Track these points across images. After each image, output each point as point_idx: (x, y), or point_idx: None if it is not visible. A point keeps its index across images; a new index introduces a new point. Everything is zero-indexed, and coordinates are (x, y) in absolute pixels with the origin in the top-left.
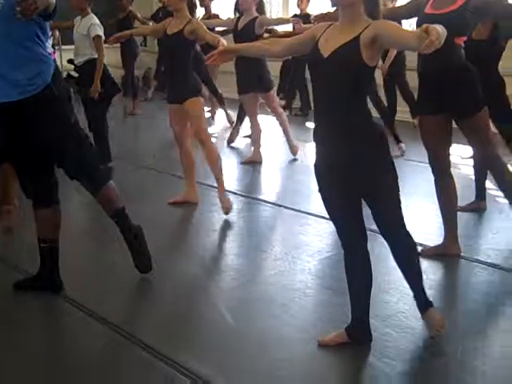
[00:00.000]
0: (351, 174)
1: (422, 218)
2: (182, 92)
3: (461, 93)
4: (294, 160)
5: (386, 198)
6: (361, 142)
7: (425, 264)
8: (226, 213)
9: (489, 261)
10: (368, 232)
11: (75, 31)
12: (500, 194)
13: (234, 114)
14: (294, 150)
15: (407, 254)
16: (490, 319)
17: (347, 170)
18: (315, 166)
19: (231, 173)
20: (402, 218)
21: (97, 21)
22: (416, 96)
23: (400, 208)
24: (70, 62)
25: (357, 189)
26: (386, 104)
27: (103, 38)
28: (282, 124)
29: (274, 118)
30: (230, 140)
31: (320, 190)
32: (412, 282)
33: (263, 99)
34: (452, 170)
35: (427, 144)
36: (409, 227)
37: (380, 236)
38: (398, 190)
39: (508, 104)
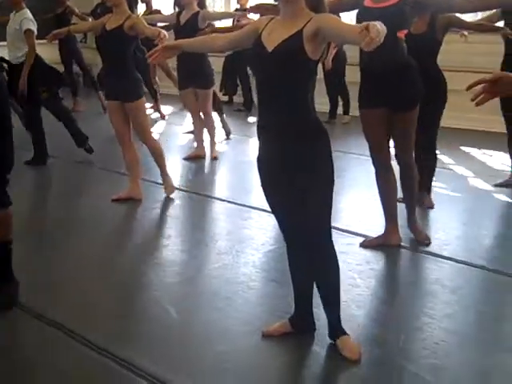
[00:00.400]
0: (291, 169)
1: (363, 210)
2: (122, 91)
3: (403, 88)
4: (237, 155)
5: (318, 196)
6: (302, 138)
7: (367, 254)
8: (169, 195)
9: (428, 249)
10: None
11: (8, 26)
12: (439, 185)
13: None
14: (214, 154)
15: (326, 264)
16: (430, 306)
17: (288, 165)
18: (258, 160)
19: (174, 168)
20: (329, 225)
21: (30, 15)
22: (358, 90)
23: (329, 213)
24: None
25: (296, 183)
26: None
27: (35, 32)
28: (208, 126)
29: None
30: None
31: (262, 185)
32: (326, 300)
33: (199, 96)
34: (392, 162)
35: (368, 137)
36: (351, 219)
37: None
38: (331, 194)
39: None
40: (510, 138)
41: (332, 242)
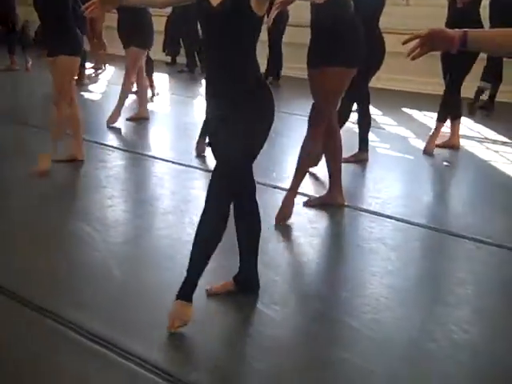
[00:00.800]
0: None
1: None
2: (56, 46)
3: (347, 45)
4: (181, 116)
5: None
6: (247, 95)
7: (310, 213)
8: (71, 160)
9: (370, 209)
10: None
11: None
12: (381, 145)
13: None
14: (142, 113)
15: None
16: (372, 263)
17: (232, 123)
18: (205, 120)
19: (118, 129)
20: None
21: None
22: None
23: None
24: None
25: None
26: None
27: None
28: (138, 86)
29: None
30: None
31: (210, 144)
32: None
33: (132, 54)
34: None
35: (333, 96)
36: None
37: (267, 188)
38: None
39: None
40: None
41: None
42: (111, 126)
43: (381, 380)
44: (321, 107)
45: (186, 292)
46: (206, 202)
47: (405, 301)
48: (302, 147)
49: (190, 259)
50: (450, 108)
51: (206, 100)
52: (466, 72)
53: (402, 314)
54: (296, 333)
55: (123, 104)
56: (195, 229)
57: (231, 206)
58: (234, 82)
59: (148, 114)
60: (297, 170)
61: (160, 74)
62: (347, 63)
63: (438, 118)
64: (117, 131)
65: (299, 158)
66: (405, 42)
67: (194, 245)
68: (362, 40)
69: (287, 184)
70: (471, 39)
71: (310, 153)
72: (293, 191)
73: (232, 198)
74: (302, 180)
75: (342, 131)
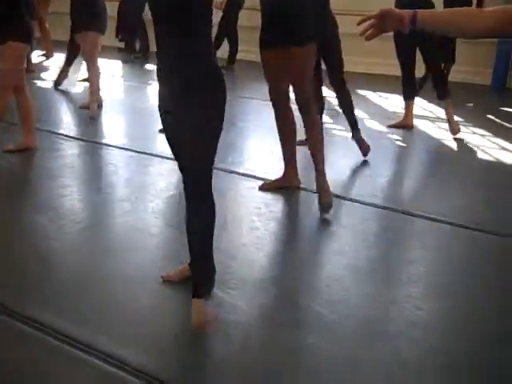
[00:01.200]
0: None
1: (263, 153)
2: (6, 33)
3: (296, 26)
4: (135, 102)
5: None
6: (198, 81)
7: (266, 197)
8: (24, 149)
9: None
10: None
11: None
12: (336, 127)
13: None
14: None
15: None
16: (327, 244)
17: (182, 108)
18: (158, 106)
19: (69, 118)
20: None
21: None
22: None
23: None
24: None
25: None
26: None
27: None
28: (92, 72)
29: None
30: (57, 82)
31: (163, 130)
32: (195, 252)
33: (88, 39)
34: (293, 105)
35: (267, 78)
36: (251, 163)
37: (223, 173)
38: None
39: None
40: (403, 79)
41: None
42: (93, 116)
43: (337, 360)
44: (303, 90)
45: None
46: (194, 201)
47: (359, 280)
48: (309, 138)
49: (202, 258)
50: (442, 84)
51: (158, 85)
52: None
53: (356, 293)
54: (254, 317)
55: (99, 88)
56: (150, 215)
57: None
58: (185, 66)
59: (101, 101)
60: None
61: (113, 61)
62: (313, 39)
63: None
64: (70, 119)
65: (312, 153)
66: (359, 23)
67: (202, 243)
68: (310, 19)
69: (243, 169)
70: (421, 19)
71: (319, 140)
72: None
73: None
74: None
75: (297, 114)
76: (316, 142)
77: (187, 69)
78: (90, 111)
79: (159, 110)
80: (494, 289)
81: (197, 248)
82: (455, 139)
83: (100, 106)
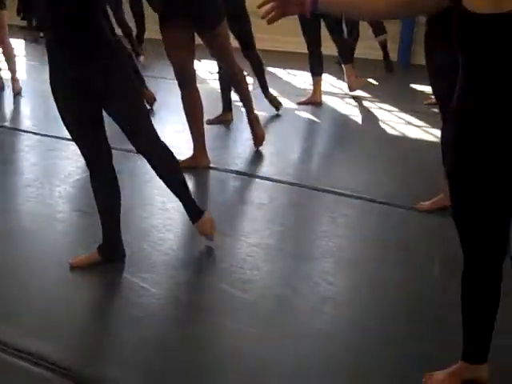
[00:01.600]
0: (86, 87)
1: (171, 134)
2: None
3: (201, 5)
4: (38, 84)
5: (123, 106)
6: (94, 53)
7: None
8: None
9: (236, 169)
10: (119, 151)
11: None
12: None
13: None
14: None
15: (166, 165)
16: (238, 224)
17: (82, 84)
18: (52, 88)
19: None
20: (151, 129)
21: None
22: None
23: (145, 117)
24: None
25: (94, 102)
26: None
27: None
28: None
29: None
30: None
31: (59, 110)
32: (178, 193)
33: None
34: (200, 84)
35: (172, 57)
36: None
37: (132, 155)
38: (138, 98)
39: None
40: (309, 56)
41: (163, 143)
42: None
43: (251, 339)
44: (232, 66)
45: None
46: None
47: (270, 258)
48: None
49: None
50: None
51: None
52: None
53: (268, 272)
54: (166, 301)
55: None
56: (57, 200)
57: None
58: (77, 42)
59: (2, 83)
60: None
61: (15, 40)
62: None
63: (344, 62)
64: None
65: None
66: (260, 6)
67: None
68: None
69: None
70: (322, 2)
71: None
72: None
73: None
74: None
75: (204, 93)
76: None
77: (81, 40)
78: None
79: (53, 89)
80: (404, 263)
81: None
82: (363, 115)
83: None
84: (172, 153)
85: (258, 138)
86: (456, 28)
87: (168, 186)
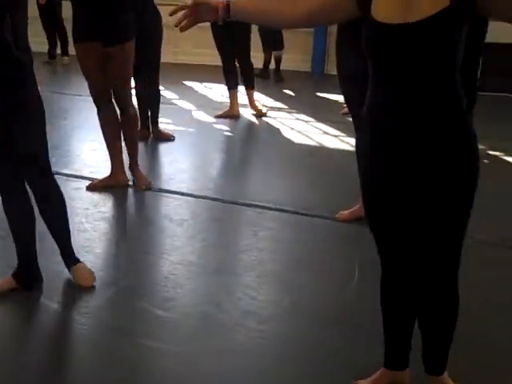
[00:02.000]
0: None
1: (88, 152)
2: None
3: (112, 20)
4: None
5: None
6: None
7: (94, 197)
8: None
9: (155, 186)
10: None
11: None
12: (164, 120)
13: None
14: None
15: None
16: (159, 241)
17: None
18: None
19: None
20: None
21: None
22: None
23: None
24: None
25: None
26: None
27: None
28: None
29: None
30: None
31: None
32: (58, 235)
33: None
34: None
35: (86, 73)
36: (77, 163)
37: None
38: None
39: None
40: (223, 69)
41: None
42: None
43: (174, 357)
44: (124, 87)
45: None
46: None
47: (193, 275)
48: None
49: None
50: (249, 75)
51: None
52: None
53: (191, 289)
54: (86, 323)
55: None
56: None
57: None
58: None
59: None
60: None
61: None
62: (134, 34)
63: (247, 87)
64: None
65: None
66: (172, 13)
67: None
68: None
69: (68, 169)
70: (234, 9)
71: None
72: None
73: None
74: None
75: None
76: (132, 139)
77: None
78: None
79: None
80: (326, 271)
81: None
82: (281, 127)
83: None
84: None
85: (141, 183)
86: (365, 37)
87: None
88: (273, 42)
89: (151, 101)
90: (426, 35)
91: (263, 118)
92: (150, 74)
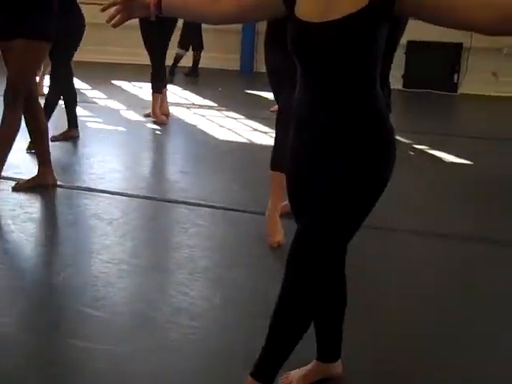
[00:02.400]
0: None
1: (14, 152)
2: None
3: (42, 16)
4: None
5: None
6: None
7: (20, 198)
8: None
9: (84, 185)
10: None
11: None
12: (93, 119)
13: None
14: None
15: None
16: (89, 240)
17: None
18: None
19: None
20: None
21: None
22: None
23: None
24: None
25: None
26: None
27: None
28: None
29: None
30: None
31: None
32: None
33: None
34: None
35: (10, 73)
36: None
37: None
38: None
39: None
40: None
41: None
42: None
43: (105, 357)
44: (14, 84)
45: None
46: None
47: (124, 273)
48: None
49: None
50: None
51: None
52: (167, 40)
53: (122, 288)
54: (16, 326)
55: None
56: None
57: None
58: None
59: None
60: None
61: None
62: (44, 35)
63: (154, 90)
64: None
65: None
66: (103, 9)
67: None
68: (57, 12)
69: None
70: (166, 5)
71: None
72: None
73: None
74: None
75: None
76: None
77: None
78: None
79: None
80: (256, 266)
81: None
82: (211, 124)
83: None
84: None
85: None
86: (289, 35)
87: None
88: (191, 41)
89: (70, 103)
90: (344, 33)
91: (193, 116)
92: (53, 74)
